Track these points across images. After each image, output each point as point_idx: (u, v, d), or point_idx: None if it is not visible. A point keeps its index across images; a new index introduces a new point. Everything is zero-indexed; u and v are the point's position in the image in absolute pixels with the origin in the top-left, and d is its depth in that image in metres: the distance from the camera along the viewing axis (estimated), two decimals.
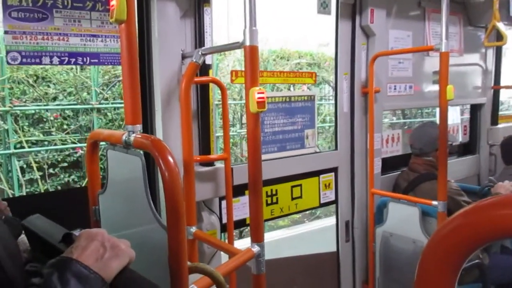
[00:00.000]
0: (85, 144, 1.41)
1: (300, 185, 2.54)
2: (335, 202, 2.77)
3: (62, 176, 5.85)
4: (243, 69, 1.45)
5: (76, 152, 5.94)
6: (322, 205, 2.73)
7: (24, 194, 5.28)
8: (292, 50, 7.72)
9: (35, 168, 5.55)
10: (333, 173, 2.72)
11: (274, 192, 2.43)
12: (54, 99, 5.85)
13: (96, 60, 1.77)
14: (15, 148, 5.32)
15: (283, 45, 7.65)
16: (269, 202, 2.41)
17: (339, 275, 2.83)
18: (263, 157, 1.51)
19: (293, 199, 2.53)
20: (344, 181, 2.78)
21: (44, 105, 5.71)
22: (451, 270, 0.57)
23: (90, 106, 5.87)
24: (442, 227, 0.57)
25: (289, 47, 7.70)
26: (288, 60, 7.62)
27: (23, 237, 1.23)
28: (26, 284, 0.80)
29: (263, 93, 1.37)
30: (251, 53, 1.38)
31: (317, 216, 7.49)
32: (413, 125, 8.54)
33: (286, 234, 5.99)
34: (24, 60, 1.61)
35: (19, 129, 5.48)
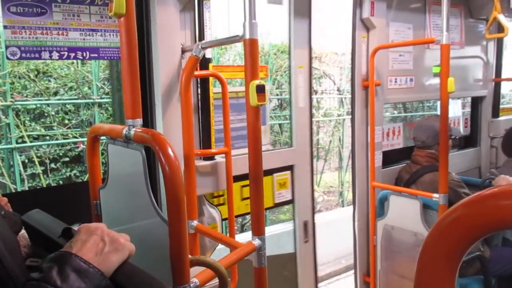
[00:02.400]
0: (86, 139, 1.41)
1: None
2: (292, 201, 2.57)
3: (64, 170, 5.86)
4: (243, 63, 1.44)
5: (77, 147, 5.94)
6: (277, 204, 2.52)
7: (26, 189, 5.29)
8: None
9: (37, 163, 5.55)
10: (289, 172, 2.51)
11: (221, 193, 2.21)
12: (55, 93, 5.85)
13: (96, 55, 1.77)
14: (16, 142, 5.32)
15: (285, 40, 7.61)
16: (215, 203, 2.20)
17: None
18: None
19: (243, 199, 2.31)
20: (302, 179, 2.55)
21: (45, 100, 5.71)
22: (452, 261, 0.56)
23: (91, 100, 5.86)
24: (443, 218, 0.57)
25: None
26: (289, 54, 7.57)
27: (23, 232, 1.23)
28: (26, 279, 0.80)
29: (264, 86, 1.37)
30: (251, 46, 1.38)
31: (319, 210, 7.50)
32: (414, 119, 8.52)
33: (288, 228, 5.99)
34: (23, 55, 1.60)
35: (21, 123, 5.48)
